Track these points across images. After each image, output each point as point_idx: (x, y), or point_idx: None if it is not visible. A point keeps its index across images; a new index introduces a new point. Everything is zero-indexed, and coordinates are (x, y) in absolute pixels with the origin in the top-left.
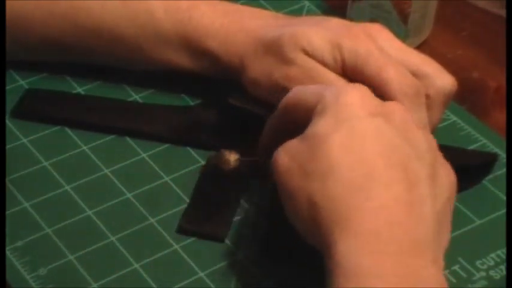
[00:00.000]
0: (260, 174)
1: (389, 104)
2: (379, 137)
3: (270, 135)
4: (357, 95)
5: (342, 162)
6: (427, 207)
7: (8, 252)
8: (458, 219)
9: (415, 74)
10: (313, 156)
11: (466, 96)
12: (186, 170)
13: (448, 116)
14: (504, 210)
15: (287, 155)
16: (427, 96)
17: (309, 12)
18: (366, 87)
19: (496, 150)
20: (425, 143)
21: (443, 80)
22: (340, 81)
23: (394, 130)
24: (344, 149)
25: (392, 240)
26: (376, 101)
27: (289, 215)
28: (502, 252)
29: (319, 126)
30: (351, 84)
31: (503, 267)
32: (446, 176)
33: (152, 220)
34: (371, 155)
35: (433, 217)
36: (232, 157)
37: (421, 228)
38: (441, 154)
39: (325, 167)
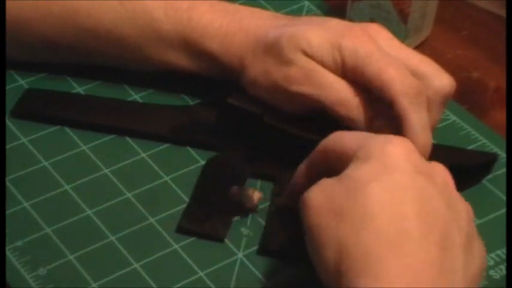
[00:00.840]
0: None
1: (433, 165)
2: (421, 196)
3: (302, 178)
4: (403, 148)
5: (379, 212)
6: (457, 277)
7: (8, 252)
8: None
9: (414, 74)
10: (350, 200)
11: (466, 96)
12: (186, 169)
13: (448, 116)
14: (504, 210)
15: (321, 193)
16: (426, 97)
17: (309, 12)
18: (410, 142)
19: (496, 150)
20: (465, 211)
21: (441, 81)
22: (340, 83)
23: (437, 192)
24: (384, 200)
25: None
26: (421, 158)
27: (311, 253)
28: (501, 252)
29: (362, 170)
30: (398, 137)
31: (503, 267)
32: (479, 250)
33: (152, 220)
34: (410, 212)
35: (462, 286)
36: (255, 195)
37: None
38: (476, 230)
39: (362, 213)
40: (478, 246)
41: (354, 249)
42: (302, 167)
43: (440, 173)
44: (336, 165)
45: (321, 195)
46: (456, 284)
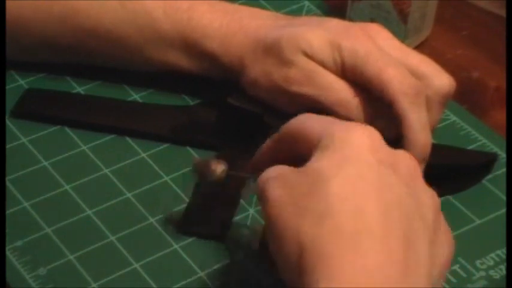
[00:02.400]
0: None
1: (398, 153)
2: (384, 189)
3: (264, 157)
4: (367, 137)
5: (341, 208)
6: (423, 271)
7: (8, 252)
8: (458, 219)
9: (413, 74)
10: (312, 194)
11: (466, 96)
12: (186, 169)
13: (448, 115)
14: (504, 210)
15: (282, 186)
16: (426, 97)
17: (309, 12)
18: (375, 130)
19: (496, 150)
20: (430, 201)
21: (441, 81)
22: (340, 83)
23: (401, 183)
24: (345, 194)
25: None
26: (386, 147)
27: (272, 245)
28: (501, 252)
29: (323, 162)
30: (362, 125)
31: (503, 267)
32: (446, 240)
33: (152, 220)
34: (372, 207)
35: (428, 282)
36: (219, 168)
37: None
38: (444, 219)
39: (323, 208)
40: (445, 236)
41: (314, 247)
42: (264, 148)
43: (405, 162)
44: (300, 149)
45: (280, 188)
46: (422, 277)
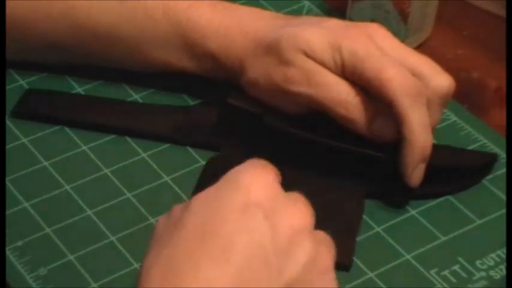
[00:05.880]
0: None
1: None
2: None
3: None
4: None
5: None
6: None
7: (8, 252)
8: (458, 219)
9: (413, 74)
10: None
11: (466, 96)
12: (186, 170)
13: (448, 116)
14: (504, 210)
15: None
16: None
17: (309, 12)
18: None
19: (496, 150)
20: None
21: (440, 81)
22: (340, 83)
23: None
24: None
25: None
26: None
27: None
28: (502, 252)
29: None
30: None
31: (503, 267)
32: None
33: (152, 220)
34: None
35: None
36: None
37: None
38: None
39: None
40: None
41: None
42: None
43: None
44: None
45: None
46: None
